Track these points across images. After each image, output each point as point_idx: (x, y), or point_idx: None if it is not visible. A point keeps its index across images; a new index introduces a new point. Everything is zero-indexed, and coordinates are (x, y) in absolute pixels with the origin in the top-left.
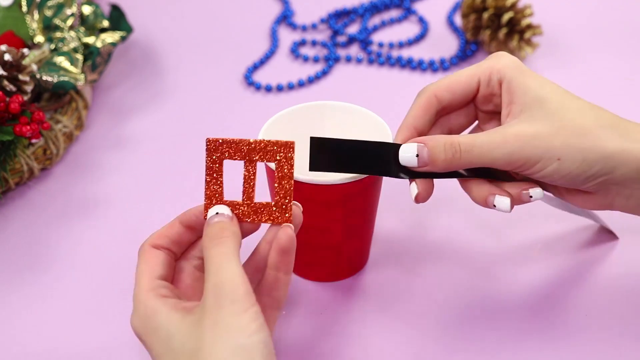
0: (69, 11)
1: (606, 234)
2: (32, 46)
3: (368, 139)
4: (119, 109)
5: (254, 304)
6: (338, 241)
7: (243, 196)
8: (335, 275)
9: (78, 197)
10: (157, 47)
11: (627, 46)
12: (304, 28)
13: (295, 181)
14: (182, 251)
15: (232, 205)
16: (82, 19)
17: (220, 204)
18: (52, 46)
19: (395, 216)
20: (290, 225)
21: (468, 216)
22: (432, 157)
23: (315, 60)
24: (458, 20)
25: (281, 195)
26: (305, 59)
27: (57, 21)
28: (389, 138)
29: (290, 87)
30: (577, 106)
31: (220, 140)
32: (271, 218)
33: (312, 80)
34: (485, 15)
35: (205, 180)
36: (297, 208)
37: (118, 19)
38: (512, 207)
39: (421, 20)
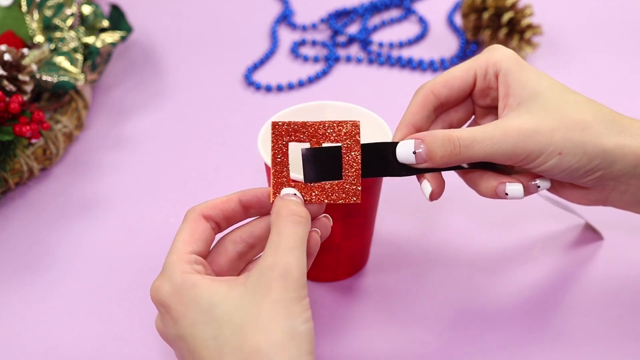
0: (68, 11)
1: (595, 233)
2: (32, 46)
3: (368, 139)
4: (119, 109)
5: (307, 295)
6: (338, 241)
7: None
8: (335, 275)
9: (78, 197)
10: (157, 47)
11: (627, 46)
12: (304, 28)
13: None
14: (226, 228)
15: (298, 187)
16: (82, 19)
17: (287, 186)
18: (52, 46)
19: (396, 216)
20: (318, 230)
21: (468, 216)
22: (430, 153)
23: (315, 60)
24: (458, 20)
25: (351, 172)
26: (305, 59)
27: (57, 21)
28: (388, 138)
29: (290, 87)
30: (575, 100)
31: (286, 124)
32: (342, 197)
33: (312, 80)
34: (486, 15)
35: (272, 162)
36: (327, 220)
37: (118, 19)
38: (526, 194)
39: (421, 20)
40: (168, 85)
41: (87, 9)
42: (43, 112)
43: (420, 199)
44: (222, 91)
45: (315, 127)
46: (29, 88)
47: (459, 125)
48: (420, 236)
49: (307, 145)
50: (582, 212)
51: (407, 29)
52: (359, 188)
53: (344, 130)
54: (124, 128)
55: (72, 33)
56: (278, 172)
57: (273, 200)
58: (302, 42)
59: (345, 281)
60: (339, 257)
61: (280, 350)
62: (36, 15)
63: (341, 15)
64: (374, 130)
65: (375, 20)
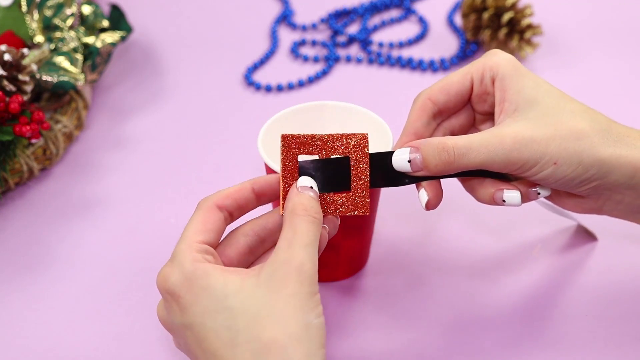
0: (68, 11)
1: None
2: (32, 46)
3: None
4: (119, 109)
5: (318, 291)
6: (338, 241)
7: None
8: (335, 276)
9: (78, 197)
10: (157, 47)
11: (627, 46)
12: (304, 28)
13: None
14: (238, 217)
15: None
16: (82, 19)
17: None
18: (52, 46)
19: (396, 217)
20: (326, 226)
21: (468, 219)
22: (425, 161)
23: (315, 60)
24: (458, 20)
25: (359, 185)
26: (305, 59)
27: (57, 21)
28: (389, 138)
29: (290, 87)
30: (572, 109)
31: (295, 136)
32: (350, 209)
33: (312, 80)
34: (486, 15)
35: (282, 175)
36: (334, 218)
37: (118, 19)
38: (524, 201)
39: (421, 20)
40: (168, 85)
41: (87, 9)
42: (43, 112)
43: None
44: (222, 91)
45: (324, 139)
46: (29, 88)
47: (461, 132)
48: (420, 237)
49: (315, 157)
50: (576, 215)
51: (407, 29)
52: (368, 200)
53: (352, 143)
54: (124, 128)
55: (72, 33)
56: (288, 184)
57: (283, 213)
58: (302, 42)
59: (345, 281)
60: (339, 257)
61: (295, 341)
62: (36, 15)
63: (341, 15)
64: (374, 131)
65: (375, 20)
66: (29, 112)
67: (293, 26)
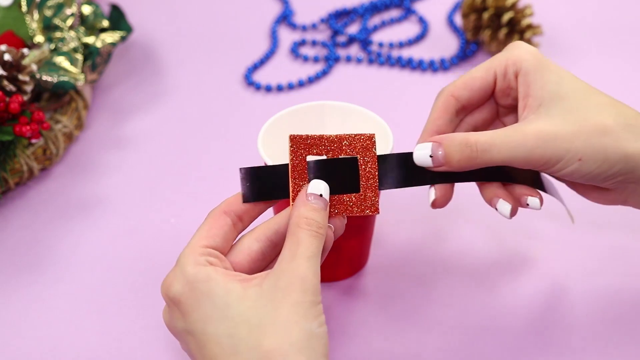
0: (68, 11)
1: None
2: (32, 46)
3: None
4: (119, 109)
5: (321, 300)
6: (338, 241)
7: None
8: (335, 276)
9: (78, 197)
10: (157, 47)
11: (627, 46)
12: (304, 28)
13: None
14: (250, 223)
15: None
16: (82, 19)
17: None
18: (52, 46)
19: (396, 217)
20: (332, 226)
21: (469, 218)
22: (448, 156)
23: (315, 60)
24: (458, 20)
25: (368, 185)
26: (305, 59)
27: (57, 21)
28: (389, 138)
29: (290, 87)
30: (597, 102)
31: (303, 137)
32: (360, 209)
33: (312, 80)
34: (486, 15)
35: (291, 176)
36: (342, 218)
37: (118, 19)
38: (512, 215)
39: (421, 20)
40: (168, 85)
41: (87, 9)
42: (43, 112)
43: (421, 201)
44: (222, 91)
45: (332, 140)
46: (29, 88)
47: (484, 126)
48: (420, 237)
49: (323, 157)
50: (563, 195)
51: (407, 29)
52: (377, 199)
53: (360, 143)
54: (124, 128)
55: (72, 33)
56: (298, 185)
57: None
58: (302, 42)
59: (345, 281)
60: (339, 257)
61: (297, 350)
62: (36, 15)
63: (341, 15)
64: (374, 131)
65: (375, 20)
66: (29, 112)
67: (293, 26)
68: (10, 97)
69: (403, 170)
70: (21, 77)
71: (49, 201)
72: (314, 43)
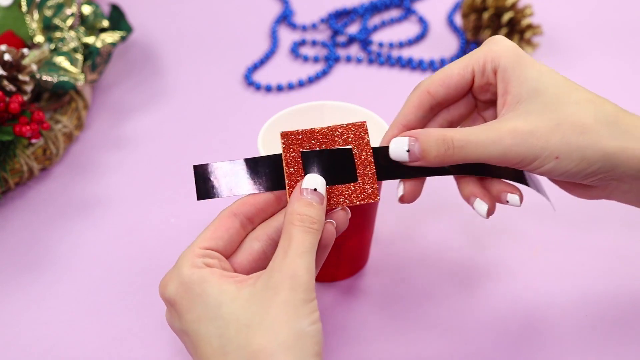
0: (68, 11)
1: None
2: (32, 46)
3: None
4: (119, 109)
5: (315, 297)
6: (338, 241)
7: None
8: (335, 276)
9: (78, 197)
10: (157, 47)
11: (627, 46)
12: (304, 28)
13: None
14: (260, 222)
15: None
16: (82, 19)
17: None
18: (52, 46)
19: (396, 217)
20: (333, 222)
21: (468, 218)
22: (424, 152)
23: (315, 60)
24: (458, 20)
25: (365, 172)
26: (305, 59)
27: (57, 21)
28: None
29: (290, 87)
30: (577, 99)
31: (294, 132)
32: (360, 198)
33: (312, 80)
34: (486, 15)
35: (286, 172)
36: (345, 213)
37: (118, 19)
38: (489, 214)
39: (421, 20)
40: (168, 85)
41: (87, 9)
42: (43, 112)
43: (421, 201)
44: (222, 91)
45: (324, 132)
46: (29, 88)
47: (460, 120)
48: (421, 237)
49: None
50: (545, 186)
51: (407, 29)
52: (376, 186)
53: (352, 132)
54: (124, 128)
55: (72, 33)
56: (293, 181)
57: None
58: (302, 42)
59: (345, 281)
60: (339, 257)
61: (285, 350)
62: (36, 15)
63: (341, 15)
64: (374, 131)
65: (375, 20)
66: (29, 112)
67: (293, 26)
68: (10, 97)
69: (382, 164)
70: (21, 77)
71: (49, 201)
72: (314, 43)
